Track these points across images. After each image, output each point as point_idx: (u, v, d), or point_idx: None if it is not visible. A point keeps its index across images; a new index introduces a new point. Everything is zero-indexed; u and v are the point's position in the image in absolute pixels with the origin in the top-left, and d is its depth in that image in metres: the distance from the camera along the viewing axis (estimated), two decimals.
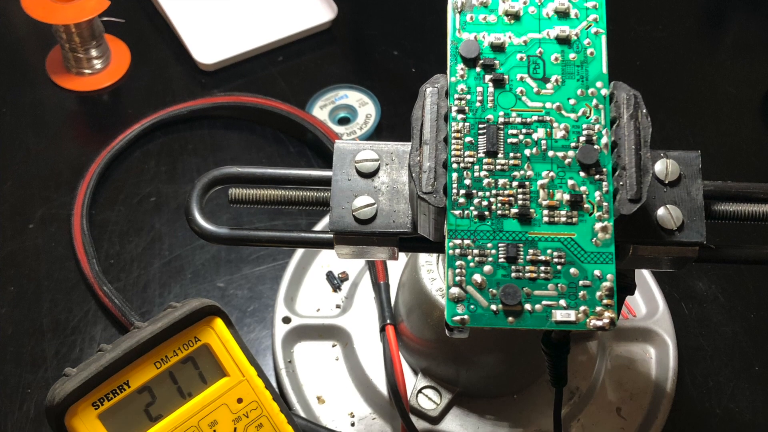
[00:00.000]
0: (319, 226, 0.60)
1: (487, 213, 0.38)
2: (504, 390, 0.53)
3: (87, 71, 0.69)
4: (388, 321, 0.53)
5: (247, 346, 0.45)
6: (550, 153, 0.39)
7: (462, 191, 0.39)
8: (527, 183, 0.39)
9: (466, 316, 0.37)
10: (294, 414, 0.52)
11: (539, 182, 0.39)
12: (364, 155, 0.42)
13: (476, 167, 0.39)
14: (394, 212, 0.41)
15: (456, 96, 0.40)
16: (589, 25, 0.41)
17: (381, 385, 0.53)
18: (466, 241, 0.38)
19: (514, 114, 0.40)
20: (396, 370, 0.51)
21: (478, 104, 0.40)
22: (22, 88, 0.69)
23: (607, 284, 0.38)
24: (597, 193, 0.39)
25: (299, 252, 0.59)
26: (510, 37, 0.41)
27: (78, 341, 0.57)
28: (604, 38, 0.41)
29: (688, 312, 0.59)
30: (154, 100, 0.68)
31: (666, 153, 0.42)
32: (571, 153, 0.39)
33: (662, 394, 0.54)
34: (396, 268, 0.55)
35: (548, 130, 0.40)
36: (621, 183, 0.39)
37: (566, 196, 0.39)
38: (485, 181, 0.39)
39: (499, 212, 0.39)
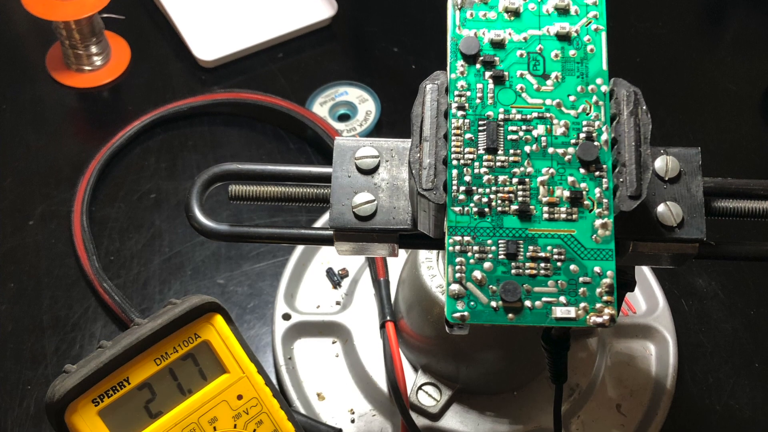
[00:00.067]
0: (319, 223, 0.60)
1: (487, 210, 0.38)
2: (504, 387, 0.53)
3: (87, 68, 0.69)
4: (388, 318, 0.53)
5: (247, 342, 0.45)
6: (550, 150, 0.39)
7: (462, 188, 0.39)
8: (527, 180, 0.39)
9: (466, 313, 0.37)
10: (294, 411, 0.52)
11: (539, 179, 0.39)
12: (364, 152, 0.42)
13: (476, 164, 0.39)
14: (394, 209, 0.41)
15: (456, 93, 0.40)
16: (589, 22, 0.41)
17: (381, 381, 0.53)
18: (466, 238, 0.38)
19: (514, 111, 0.40)
20: (396, 366, 0.51)
21: (478, 101, 0.40)
22: (22, 84, 0.69)
23: (607, 281, 0.38)
24: (597, 190, 0.39)
25: (299, 249, 0.59)
26: (510, 34, 0.41)
27: (78, 338, 0.57)
28: (604, 35, 0.41)
29: (688, 309, 0.59)
30: (154, 97, 0.68)
31: (666, 150, 0.42)
32: (571, 150, 0.39)
33: (662, 390, 0.54)
34: (396, 264, 0.55)
35: (548, 126, 0.40)
36: (621, 180, 0.39)
37: (566, 193, 0.39)
38: (485, 177, 0.39)
39: (499, 209, 0.39)
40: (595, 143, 0.39)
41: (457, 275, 0.38)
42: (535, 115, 0.40)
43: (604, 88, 0.40)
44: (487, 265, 0.38)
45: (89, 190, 0.62)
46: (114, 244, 0.61)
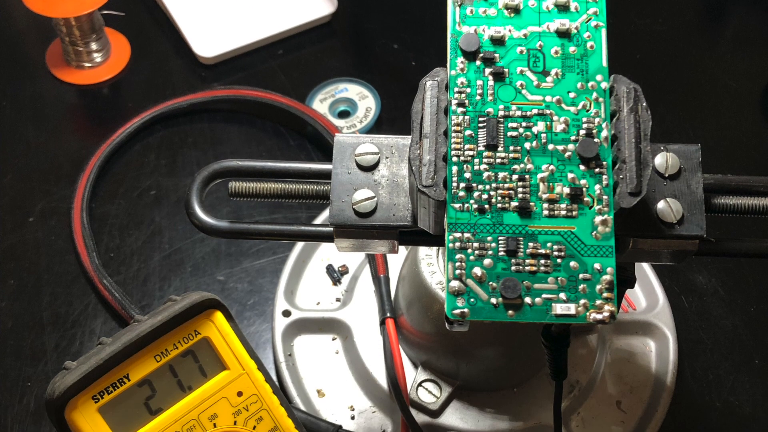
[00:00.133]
0: (319, 220, 0.60)
1: (487, 206, 0.38)
2: (504, 383, 0.53)
3: (87, 64, 0.69)
4: (388, 314, 0.53)
5: (247, 339, 0.45)
6: (550, 146, 0.39)
7: (462, 184, 0.39)
8: (527, 176, 0.39)
9: (466, 310, 0.37)
10: (294, 407, 0.52)
11: (539, 175, 0.39)
12: (364, 148, 0.42)
13: (476, 160, 0.39)
14: (394, 205, 0.41)
15: (456, 89, 0.40)
16: (589, 19, 0.41)
17: (381, 378, 0.53)
18: (466, 235, 0.38)
19: (514, 107, 0.40)
20: (396, 363, 0.51)
21: (478, 97, 0.40)
22: (22, 81, 0.69)
23: (607, 277, 0.38)
24: (597, 187, 0.39)
25: (299, 245, 0.59)
26: (510, 31, 0.41)
27: (78, 334, 0.57)
28: (604, 31, 0.41)
29: (688, 305, 0.59)
30: (154, 94, 0.68)
31: (666, 146, 0.42)
32: (571, 146, 0.39)
33: (662, 387, 0.54)
34: (396, 261, 0.55)
35: (548, 123, 0.40)
36: (621, 176, 0.39)
37: (566, 190, 0.39)
38: (485, 174, 0.39)
39: (499, 205, 0.39)
40: (595, 140, 0.39)
41: (457, 272, 0.38)
42: (535, 111, 0.40)
43: (604, 85, 0.40)
44: (487, 261, 0.38)
45: (89, 187, 0.62)
46: (114, 240, 0.61)
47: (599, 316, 0.37)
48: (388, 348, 0.52)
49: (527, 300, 0.38)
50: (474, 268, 0.38)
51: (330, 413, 0.53)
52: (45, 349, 0.56)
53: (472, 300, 0.38)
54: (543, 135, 0.39)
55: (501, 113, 0.40)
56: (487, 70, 0.40)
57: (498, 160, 0.39)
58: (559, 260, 0.38)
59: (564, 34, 0.41)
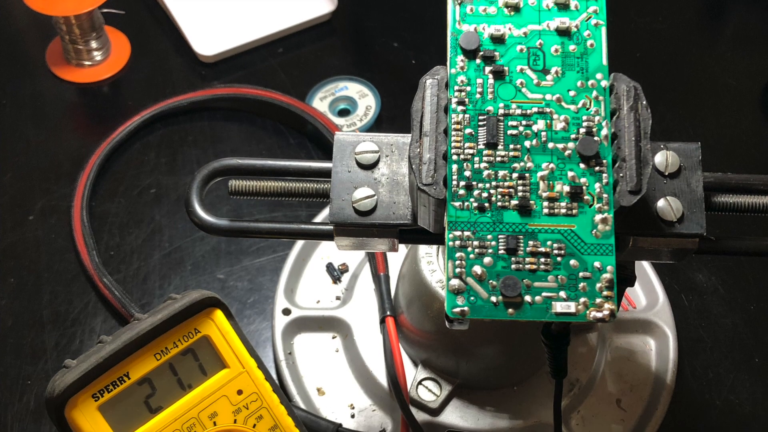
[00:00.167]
0: (319, 218, 0.60)
1: (487, 204, 0.38)
2: (504, 382, 0.53)
3: (87, 63, 0.69)
4: (388, 313, 0.53)
5: (247, 337, 0.45)
6: (550, 144, 0.39)
7: (462, 183, 0.39)
8: (527, 174, 0.39)
9: (466, 308, 0.37)
10: (294, 405, 0.52)
11: (539, 174, 0.39)
12: (364, 147, 0.42)
13: (476, 159, 0.39)
14: (394, 204, 0.41)
15: (456, 88, 0.40)
16: (589, 17, 0.41)
17: (381, 376, 0.53)
18: (466, 233, 0.38)
19: (514, 105, 0.40)
20: (396, 361, 0.51)
21: (478, 96, 0.40)
22: (22, 79, 0.69)
23: (607, 276, 0.38)
24: (597, 185, 0.39)
25: (299, 243, 0.59)
26: (510, 29, 0.41)
27: (78, 333, 0.57)
28: (604, 30, 0.41)
29: (688, 304, 0.59)
30: (154, 92, 0.68)
31: (666, 144, 0.42)
32: (571, 144, 0.39)
33: (662, 385, 0.54)
34: (396, 259, 0.55)
35: (548, 121, 0.40)
36: (621, 174, 0.39)
37: (566, 188, 0.39)
38: (485, 172, 0.39)
39: (499, 204, 0.39)
40: (595, 138, 0.39)
41: (457, 270, 0.38)
42: (535, 110, 0.40)
43: (604, 83, 0.40)
44: (487, 260, 0.38)
45: (89, 185, 0.62)
46: (114, 239, 0.61)
47: (599, 315, 0.37)
48: (388, 346, 0.52)
49: (527, 298, 0.38)
50: (474, 267, 0.38)
51: (330, 411, 0.53)
52: (45, 347, 0.56)
53: (472, 298, 0.38)
54: (543, 133, 0.39)
55: (501, 111, 0.40)
56: (487, 69, 0.40)
57: (498, 159, 0.39)
58: (559, 258, 0.38)
59: (564, 33, 0.41)
